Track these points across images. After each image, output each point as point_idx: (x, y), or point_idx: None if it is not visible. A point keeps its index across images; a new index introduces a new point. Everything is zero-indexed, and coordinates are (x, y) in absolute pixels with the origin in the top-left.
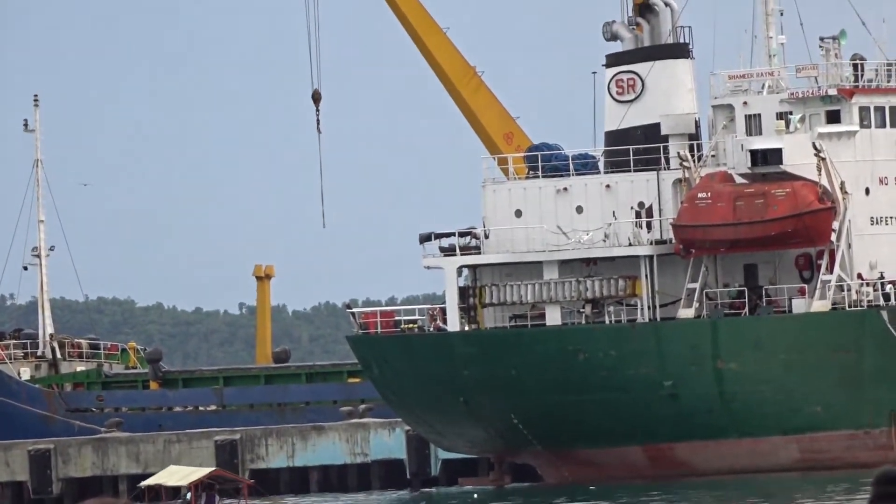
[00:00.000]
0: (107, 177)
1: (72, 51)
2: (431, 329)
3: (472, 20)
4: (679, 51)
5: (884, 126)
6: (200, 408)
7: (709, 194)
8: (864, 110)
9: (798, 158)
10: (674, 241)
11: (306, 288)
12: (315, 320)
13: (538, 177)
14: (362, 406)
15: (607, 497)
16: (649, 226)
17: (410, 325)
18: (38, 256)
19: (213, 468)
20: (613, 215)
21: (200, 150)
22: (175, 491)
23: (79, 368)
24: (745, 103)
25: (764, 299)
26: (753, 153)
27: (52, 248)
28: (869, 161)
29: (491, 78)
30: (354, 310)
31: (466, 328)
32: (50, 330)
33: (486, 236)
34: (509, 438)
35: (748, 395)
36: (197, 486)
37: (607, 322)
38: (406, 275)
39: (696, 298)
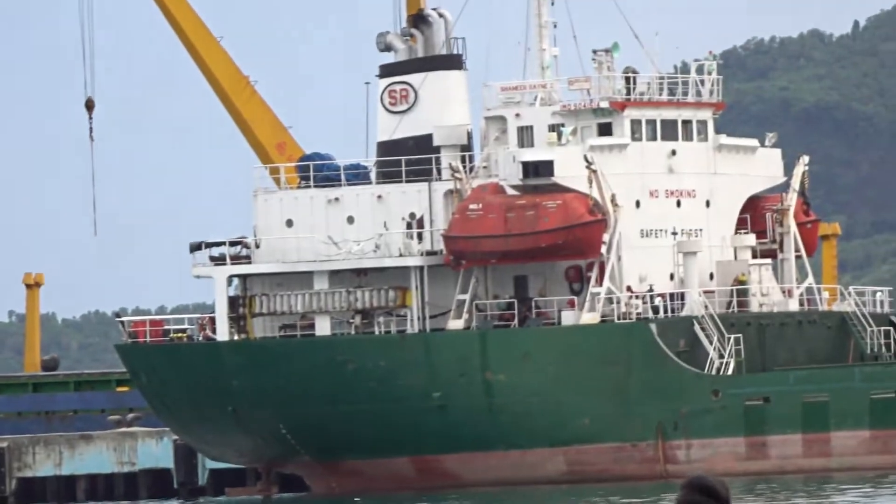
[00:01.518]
0: None
1: None
2: (201, 338)
3: (246, 29)
4: (452, 62)
5: (655, 139)
6: None
7: (480, 205)
8: (635, 123)
9: (569, 170)
10: (445, 252)
11: (76, 296)
12: (84, 328)
13: (310, 187)
14: (130, 415)
15: None
16: (420, 237)
17: (179, 335)
18: None
19: None
20: (385, 226)
21: None
22: None
23: None
24: (517, 115)
25: (533, 311)
26: (525, 165)
27: None
28: (640, 174)
29: (264, 87)
30: (123, 318)
31: (235, 338)
32: None
33: (257, 246)
34: (278, 449)
35: (516, 407)
36: None
37: (377, 332)
38: (176, 284)
39: (465, 310)
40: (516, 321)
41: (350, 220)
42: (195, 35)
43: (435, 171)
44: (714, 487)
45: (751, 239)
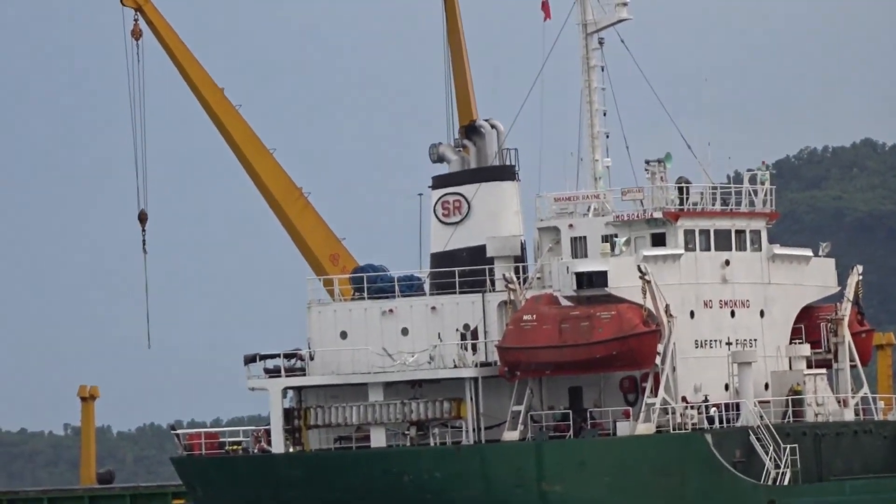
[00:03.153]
0: None
1: None
2: (256, 451)
3: (299, 140)
4: (505, 173)
5: (708, 249)
6: None
7: (534, 316)
8: (689, 233)
9: (623, 281)
10: (499, 363)
11: (131, 409)
12: (140, 441)
13: (364, 298)
14: None
15: None
16: (474, 348)
17: (235, 447)
18: None
19: None
20: (439, 337)
21: (21, 271)
22: None
23: None
24: (570, 226)
25: (588, 422)
26: (579, 276)
27: None
28: (694, 284)
29: (317, 199)
30: (179, 431)
31: (291, 450)
32: None
33: (312, 358)
34: None
35: None
36: None
37: (432, 444)
38: (231, 396)
39: (520, 421)
40: (571, 432)
41: (404, 331)
42: (248, 146)
43: (489, 282)
44: None
45: (805, 349)
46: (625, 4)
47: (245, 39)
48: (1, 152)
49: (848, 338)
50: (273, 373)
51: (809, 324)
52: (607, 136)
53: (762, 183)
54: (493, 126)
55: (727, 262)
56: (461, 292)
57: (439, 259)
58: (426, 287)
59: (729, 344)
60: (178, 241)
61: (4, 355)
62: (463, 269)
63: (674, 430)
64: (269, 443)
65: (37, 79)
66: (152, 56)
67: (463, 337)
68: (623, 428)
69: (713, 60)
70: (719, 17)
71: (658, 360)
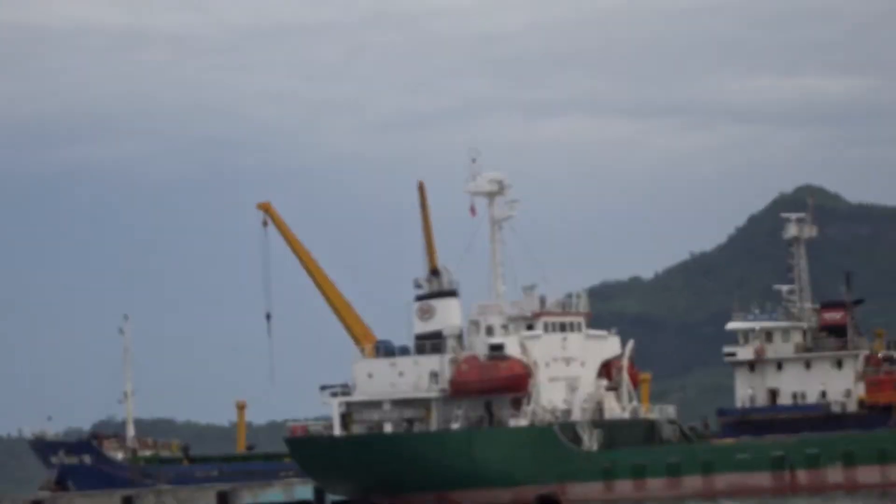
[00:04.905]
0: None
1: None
2: (326, 434)
3: (353, 281)
4: (454, 294)
5: (556, 332)
6: (211, 473)
7: (468, 366)
8: (546, 324)
9: (513, 349)
10: (450, 389)
11: (263, 412)
12: (268, 430)
13: (379, 357)
14: (291, 472)
15: None
16: (437, 381)
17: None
18: (126, 396)
19: None
20: (419, 377)
21: (215, 348)
22: None
23: (147, 454)
24: (486, 319)
25: (495, 420)
26: (490, 345)
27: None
28: (548, 350)
29: (358, 306)
30: (289, 423)
31: (344, 433)
32: (132, 433)
33: (354, 387)
34: (369, 484)
35: (490, 465)
36: None
37: (416, 431)
38: (313, 406)
39: (461, 418)
40: (487, 424)
41: (401, 374)
42: (326, 287)
43: (444, 348)
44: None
45: (604, 382)
46: (513, 206)
47: (329, 233)
48: (185, 297)
49: (626, 377)
50: (334, 394)
51: (607, 369)
52: (504, 274)
53: (580, 298)
54: (447, 269)
55: (565, 339)
56: (430, 354)
57: (419, 337)
58: (412, 351)
59: (566, 379)
60: (289, 332)
61: (201, 381)
62: (431, 342)
63: (538, 424)
64: (332, 430)
65: (201, 253)
66: (274, 235)
67: (431, 376)
68: (512, 422)
69: (565, 230)
70: (568, 205)
71: (530, 388)
